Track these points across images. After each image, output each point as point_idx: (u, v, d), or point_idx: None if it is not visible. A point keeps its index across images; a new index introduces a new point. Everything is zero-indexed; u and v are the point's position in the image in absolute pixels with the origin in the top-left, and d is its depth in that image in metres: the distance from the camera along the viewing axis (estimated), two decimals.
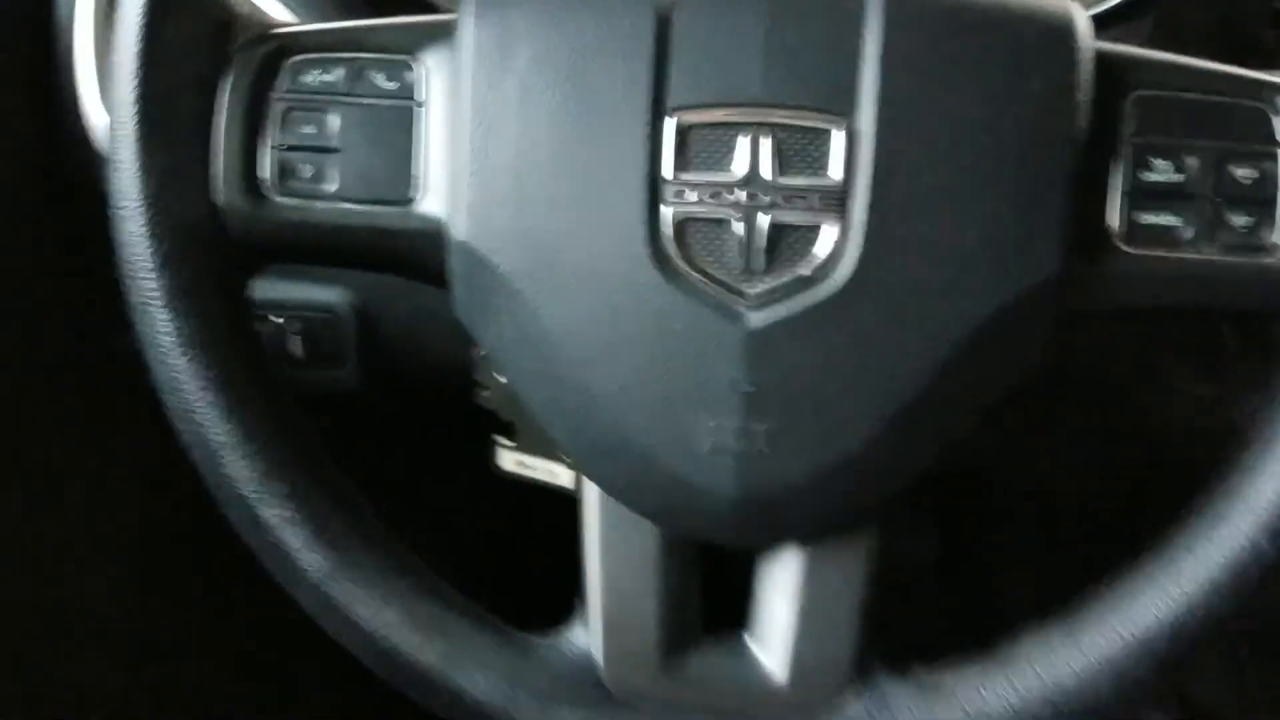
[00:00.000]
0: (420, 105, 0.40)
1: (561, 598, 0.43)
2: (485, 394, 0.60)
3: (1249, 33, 0.45)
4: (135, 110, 0.39)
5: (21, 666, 0.57)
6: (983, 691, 0.38)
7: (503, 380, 0.51)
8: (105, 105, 0.54)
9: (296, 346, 0.60)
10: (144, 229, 0.39)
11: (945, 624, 0.41)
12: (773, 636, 0.40)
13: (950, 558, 0.66)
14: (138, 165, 0.39)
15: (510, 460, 0.62)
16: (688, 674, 0.41)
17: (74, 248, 0.58)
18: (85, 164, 0.54)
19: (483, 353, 0.48)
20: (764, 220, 0.37)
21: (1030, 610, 0.40)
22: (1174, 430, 0.54)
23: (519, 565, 0.83)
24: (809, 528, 0.40)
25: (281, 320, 0.60)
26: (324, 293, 0.60)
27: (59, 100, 0.56)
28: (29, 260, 0.59)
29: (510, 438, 0.61)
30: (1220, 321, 0.47)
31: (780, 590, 0.40)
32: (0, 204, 0.57)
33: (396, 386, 0.67)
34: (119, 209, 0.40)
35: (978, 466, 0.57)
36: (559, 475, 0.59)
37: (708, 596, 0.42)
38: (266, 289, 0.56)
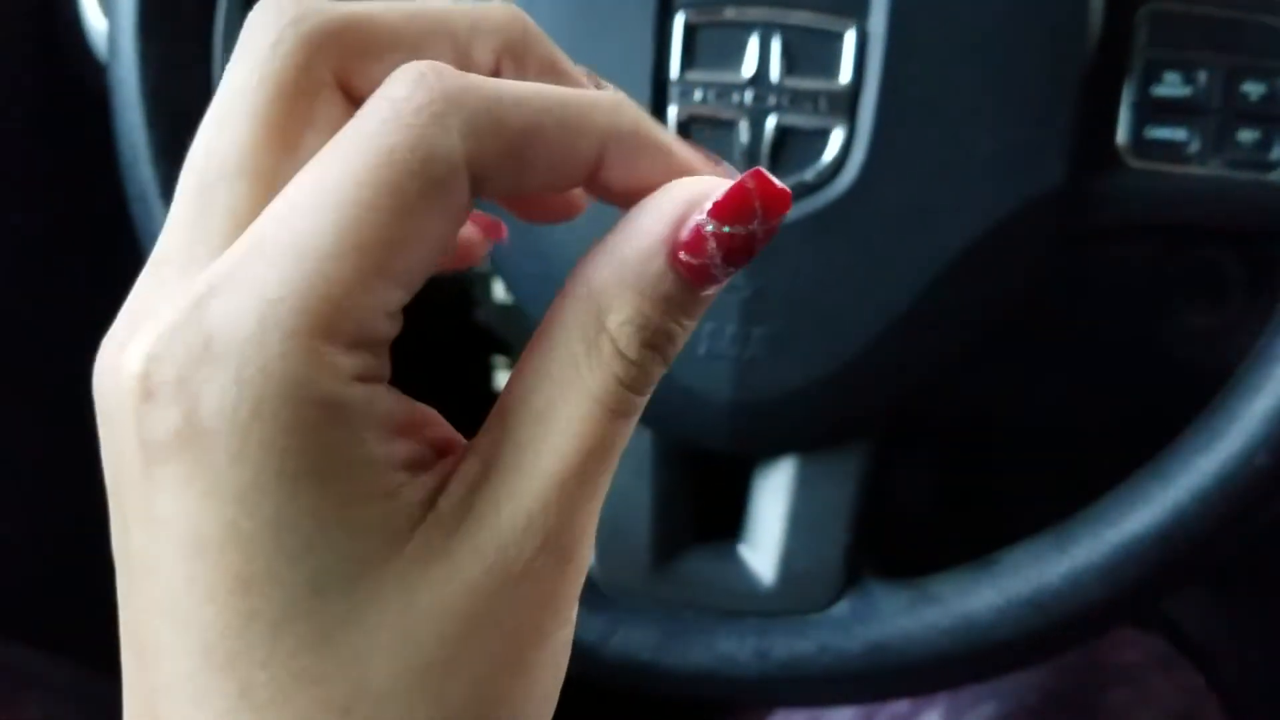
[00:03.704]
0: None
1: None
2: (482, 311, 0.59)
3: None
4: (137, 4, 0.39)
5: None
6: (969, 594, 0.38)
7: (499, 299, 0.51)
8: (104, 8, 0.53)
9: None
10: (142, 119, 0.39)
11: (947, 550, 0.41)
12: (763, 540, 0.41)
13: (951, 487, 0.66)
14: (137, 56, 0.39)
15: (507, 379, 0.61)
16: (678, 574, 0.41)
17: (73, 159, 0.57)
18: (85, 76, 0.53)
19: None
20: (771, 123, 0.37)
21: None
22: (1178, 363, 0.53)
23: None
24: (803, 435, 0.40)
25: None
26: None
27: (59, 10, 0.55)
28: (28, 168, 0.58)
29: (508, 356, 0.61)
30: (1225, 249, 0.47)
31: (772, 496, 0.40)
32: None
33: None
34: (118, 100, 0.40)
35: (980, 395, 0.57)
36: None
37: (707, 517, 0.42)
38: None
